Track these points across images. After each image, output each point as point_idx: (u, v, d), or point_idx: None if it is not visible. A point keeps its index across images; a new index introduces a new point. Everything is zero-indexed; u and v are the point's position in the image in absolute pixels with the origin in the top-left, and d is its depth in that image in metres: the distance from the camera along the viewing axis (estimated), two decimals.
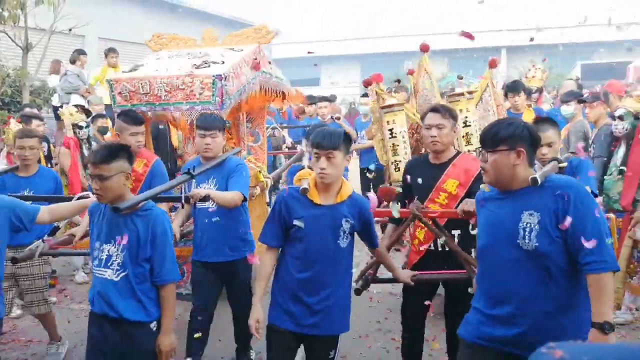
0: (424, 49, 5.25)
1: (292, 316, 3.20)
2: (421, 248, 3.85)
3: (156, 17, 22.98)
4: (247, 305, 3.86)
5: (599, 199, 4.65)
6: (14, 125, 6.02)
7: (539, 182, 2.58)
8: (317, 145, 3.13)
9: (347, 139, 3.24)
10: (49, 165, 7.04)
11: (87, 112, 7.81)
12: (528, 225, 2.59)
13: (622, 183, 5.00)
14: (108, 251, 3.15)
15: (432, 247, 3.82)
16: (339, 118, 8.29)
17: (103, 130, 7.70)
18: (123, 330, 3.16)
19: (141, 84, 5.08)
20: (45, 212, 3.65)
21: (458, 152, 3.96)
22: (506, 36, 35.14)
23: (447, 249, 3.72)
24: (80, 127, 6.76)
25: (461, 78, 5.95)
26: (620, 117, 5.13)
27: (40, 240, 4.04)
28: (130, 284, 3.12)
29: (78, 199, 3.93)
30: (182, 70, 5.09)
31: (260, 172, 5.56)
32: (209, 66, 5.10)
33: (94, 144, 7.14)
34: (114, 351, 3.20)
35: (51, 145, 7.48)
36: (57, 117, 9.84)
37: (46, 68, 11.36)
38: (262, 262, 3.33)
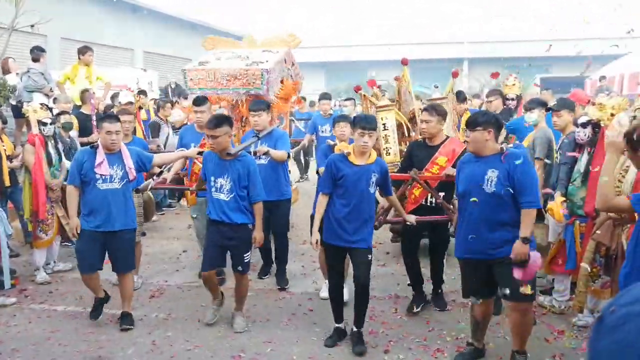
0: (405, 62, 6.71)
1: (339, 236, 4.79)
2: (417, 202, 5.53)
3: (119, 18, 22.65)
4: (285, 233, 6.61)
5: (558, 194, 5.54)
6: None
7: (504, 150, 4.23)
8: (363, 127, 4.65)
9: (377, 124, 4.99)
10: (9, 165, 6.90)
11: (50, 111, 7.65)
12: (490, 177, 4.15)
13: (586, 189, 5.12)
14: (220, 183, 5.09)
15: (423, 203, 5.52)
16: (330, 115, 10.20)
17: (68, 126, 7.54)
18: (233, 229, 5.13)
19: (208, 73, 6.83)
20: (157, 157, 5.73)
21: (447, 137, 5.60)
22: (468, 48, 35.80)
23: (431, 204, 5.47)
24: (45, 124, 6.60)
25: (437, 87, 6.94)
26: (583, 125, 5.26)
27: (151, 179, 6.19)
28: (236, 201, 5.09)
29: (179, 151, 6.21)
30: (238, 65, 6.84)
31: None
32: (257, 65, 6.81)
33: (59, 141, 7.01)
34: (227, 242, 5.17)
35: (9, 142, 7.27)
36: (17, 115, 9.61)
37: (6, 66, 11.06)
38: (319, 202, 4.89)
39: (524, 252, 4.06)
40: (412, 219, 5.26)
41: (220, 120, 5.06)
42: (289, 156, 6.31)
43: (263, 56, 7.04)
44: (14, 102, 9.74)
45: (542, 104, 6.47)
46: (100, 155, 5.13)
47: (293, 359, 4.71)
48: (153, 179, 6.21)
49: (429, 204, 5.52)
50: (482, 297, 4.48)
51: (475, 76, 33.04)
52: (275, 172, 6.26)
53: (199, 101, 6.47)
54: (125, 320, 5.31)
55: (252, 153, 5.84)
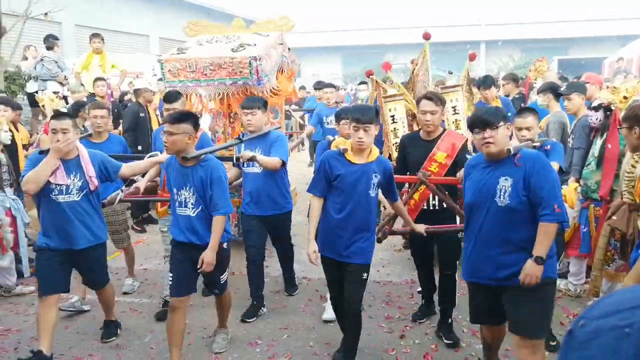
0: (427, 37, 6.00)
1: (334, 247, 4.11)
2: (418, 207, 4.77)
3: (134, 4, 22.65)
4: (289, 249, 5.75)
5: (572, 180, 5.38)
6: None
7: (512, 151, 3.40)
8: (357, 120, 3.93)
9: (378, 113, 4.13)
10: (26, 153, 6.95)
11: (65, 99, 7.71)
12: (503, 187, 3.38)
13: (600, 173, 5.07)
14: (183, 195, 4.19)
15: (425, 207, 4.76)
16: (341, 102, 9.33)
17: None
18: (203, 250, 4.14)
19: (188, 63, 6.04)
20: (125, 167, 4.72)
21: (444, 130, 4.82)
22: (485, 31, 35.42)
23: (434, 208, 4.74)
24: None
25: (451, 73, 6.53)
26: (595, 109, 5.20)
27: (120, 190, 5.22)
28: (205, 214, 4.18)
29: (149, 157, 5.08)
30: (223, 52, 6.03)
31: None
32: (244, 48, 6.03)
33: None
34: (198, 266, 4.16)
35: (25, 131, 7.32)
36: (32, 104, 9.69)
37: (21, 54, 11.13)
38: (312, 207, 4.16)
39: (535, 274, 3.27)
40: (421, 229, 4.54)
41: (183, 117, 4.18)
42: (284, 164, 5.28)
43: (252, 38, 6.29)
44: (32, 91, 9.80)
45: (550, 88, 6.40)
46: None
47: (310, 345, 4.73)
48: (122, 190, 5.27)
49: (431, 207, 4.79)
50: (492, 325, 3.84)
51: (492, 59, 32.73)
52: (272, 182, 5.30)
53: (172, 97, 5.59)
54: (108, 331, 4.96)
55: (235, 159, 5.23)
